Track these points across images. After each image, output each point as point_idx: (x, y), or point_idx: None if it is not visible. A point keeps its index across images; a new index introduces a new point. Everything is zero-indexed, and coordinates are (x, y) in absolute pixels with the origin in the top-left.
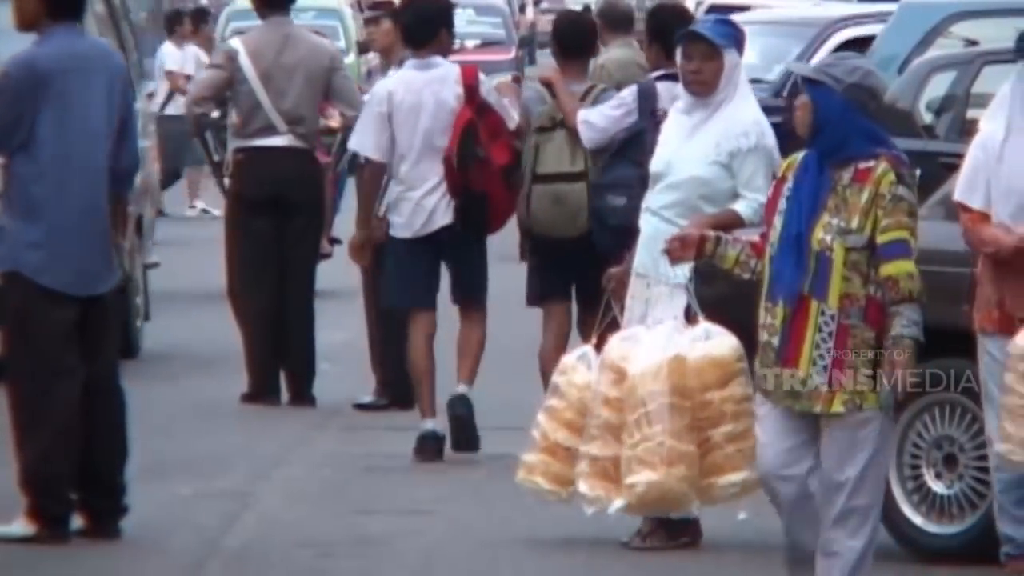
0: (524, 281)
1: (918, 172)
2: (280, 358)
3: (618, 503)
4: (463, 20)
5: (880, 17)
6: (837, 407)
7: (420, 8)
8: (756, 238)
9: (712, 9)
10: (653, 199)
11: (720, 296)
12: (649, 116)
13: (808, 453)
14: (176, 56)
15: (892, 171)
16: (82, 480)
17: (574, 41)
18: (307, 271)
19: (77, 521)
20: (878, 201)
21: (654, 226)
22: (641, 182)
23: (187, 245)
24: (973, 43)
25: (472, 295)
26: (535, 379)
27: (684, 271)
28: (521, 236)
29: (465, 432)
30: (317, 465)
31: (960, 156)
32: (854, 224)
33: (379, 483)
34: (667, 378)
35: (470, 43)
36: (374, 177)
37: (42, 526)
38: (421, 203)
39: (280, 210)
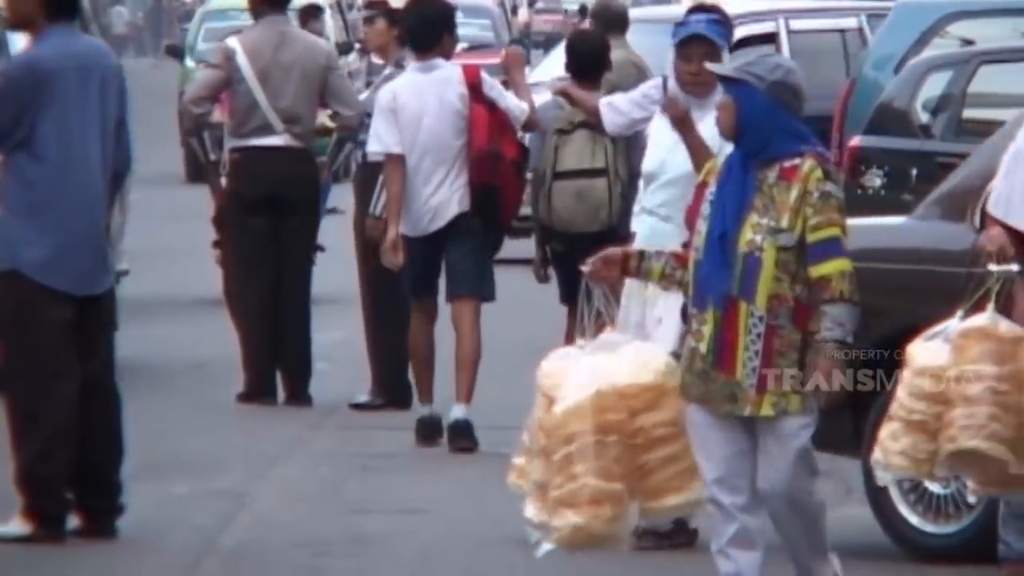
0: (523, 281)
1: (914, 172)
2: (276, 358)
3: (546, 546)
4: None
5: (772, 16)
6: (766, 410)
7: (423, 12)
8: (680, 249)
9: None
10: (647, 198)
11: None
12: None
13: (748, 461)
14: None
15: (819, 168)
16: (78, 480)
17: (589, 60)
18: (304, 270)
19: (73, 521)
20: (806, 199)
21: (650, 225)
22: None
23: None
24: (969, 43)
25: (465, 289)
26: (532, 378)
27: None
28: (539, 237)
29: (464, 443)
30: (313, 464)
31: (957, 155)
32: (784, 223)
33: (375, 482)
34: (591, 416)
35: (457, 47)
36: (397, 171)
37: (38, 526)
38: (427, 202)
39: (277, 209)
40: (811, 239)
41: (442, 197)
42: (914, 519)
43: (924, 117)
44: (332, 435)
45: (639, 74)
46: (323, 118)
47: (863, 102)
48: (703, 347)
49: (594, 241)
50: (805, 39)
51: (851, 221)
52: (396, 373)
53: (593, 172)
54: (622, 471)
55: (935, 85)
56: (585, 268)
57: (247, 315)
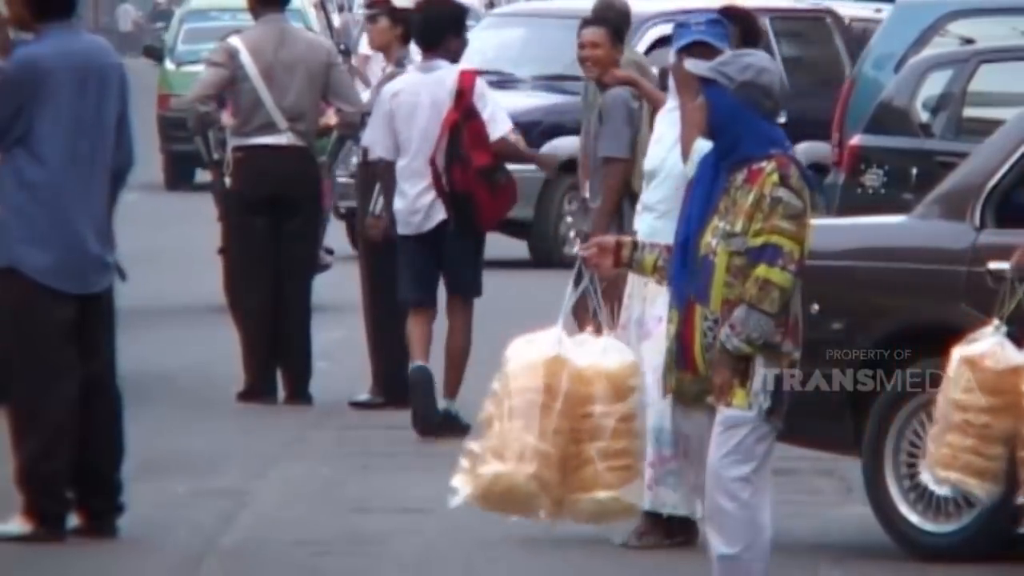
0: (524, 281)
1: (914, 171)
2: (277, 356)
3: (463, 492)
4: None
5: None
6: (711, 398)
7: (431, 13)
8: (672, 243)
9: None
10: (647, 195)
11: None
12: None
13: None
14: None
15: (776, 172)
16: (79, 479)
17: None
18: (305, 269)
19: (74, 520)
20: (760, 203)
21: (649, 223)
22: None
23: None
24: (969, 41)
25: (457, 292)
26: None
27: None
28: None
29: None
30: (314, 463)
31: (957, 154)
32: (738, 227)
33: (375, 481)
34: (542, 376)
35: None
36: (387, 174)
37: (39, 525)
38: (417, 201)
39: (279, 208)
40: (749, 243)
41: (431, 197)
42: (914, 518)
43: (924, 116)
44: (333, 434)
45: (641, 74)
46: (324, 118)
47: (863, 101)
48: (673, 345)
49: None
50: None
51: (851, 220)
52: (397, 372)
53: None
54: (559, 447)
55: (935, 84)
56: (582, 252)
57: (248, 314)
